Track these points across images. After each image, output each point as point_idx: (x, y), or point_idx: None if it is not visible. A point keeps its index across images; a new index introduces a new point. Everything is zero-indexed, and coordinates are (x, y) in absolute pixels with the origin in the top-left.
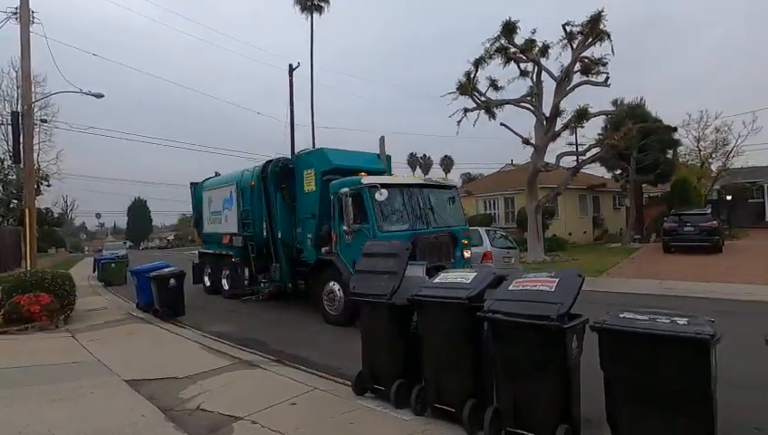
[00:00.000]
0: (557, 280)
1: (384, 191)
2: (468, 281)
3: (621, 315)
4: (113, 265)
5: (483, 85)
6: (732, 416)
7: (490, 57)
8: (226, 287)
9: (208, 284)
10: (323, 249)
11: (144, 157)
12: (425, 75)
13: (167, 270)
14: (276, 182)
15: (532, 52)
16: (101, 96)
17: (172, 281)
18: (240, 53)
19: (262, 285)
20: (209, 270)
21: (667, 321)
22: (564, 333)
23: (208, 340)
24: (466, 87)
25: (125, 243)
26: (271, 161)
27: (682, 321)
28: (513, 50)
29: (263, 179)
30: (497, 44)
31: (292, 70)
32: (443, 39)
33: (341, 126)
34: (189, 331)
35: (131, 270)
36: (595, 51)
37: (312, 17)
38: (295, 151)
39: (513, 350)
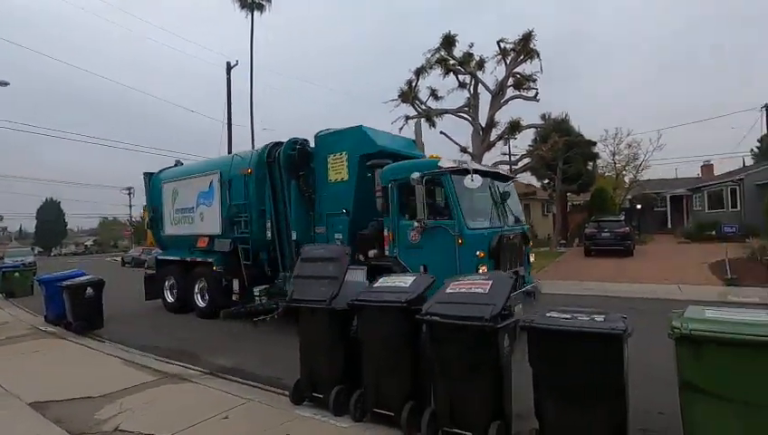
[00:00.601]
0: (491, 282)
1: (477, 177)
2: (407, 285)
3: (547, 314)
4: (17, 273)
5: (424, 94)
6: (638, 403)
7: (431, 67)
8: (202, 304)
9: (171, 299)
10: (370, 253)
11: (59, 154)
12: (371, 81)
13: (82, 278)
14: (290, 169)
15: (469, 65)
16: (6, 84)
17: (89, 290)
18: (178, 49)
19: (257, 299)
20: (173, 282)
21: (587, 318)
22: (497, 332)
23: (132, 354)
24: (408, 95)
25: (32, 249)
26: (278, 144)
27: (599, 318)
28: (452, 62)
29: (267, 166)
30: (437, 56)
31: (229, 68)
32: (393, 49)
33: (286, 130)
34: (110, 345)
35: (39, 279)
36: (526, 67)
37: (252, 15)
38: (232, 150)
39: (449, 351)
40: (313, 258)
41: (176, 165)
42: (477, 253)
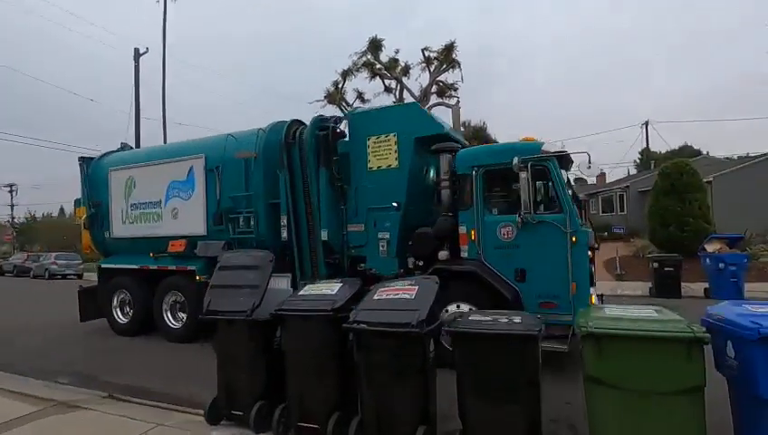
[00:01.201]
0: (417, 288)
1: (593, 165)
2: (334, 292)
3: (470, 318)
4: None
5: (350, 96)
6: (549, 396)
7: (357, 70)
8: (175, 325)
9: (122, 320)
10: (441, 254)
11: None
12: (293, 77)
13: None
14: (319, 153)
15: (395, 70)
16: None
17: None
18: (82, 34)
19: None
20: (125, 297)
21: (506, 320)
22: (423, 337)
23: (9, 381)
24: (335, 96)
25: None
26: (297, 122)
27: (517, 319)
28: (378, 66)
29: (285, 149)
30: (364, 59)
31: (138, 55)
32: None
33: (203, 123)
34: None
35: None
36: (449, 76)
37: (165, 2)
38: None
39: (377, 358)
40: (233, 266)
41: (121, 148)
42: (589, 254)
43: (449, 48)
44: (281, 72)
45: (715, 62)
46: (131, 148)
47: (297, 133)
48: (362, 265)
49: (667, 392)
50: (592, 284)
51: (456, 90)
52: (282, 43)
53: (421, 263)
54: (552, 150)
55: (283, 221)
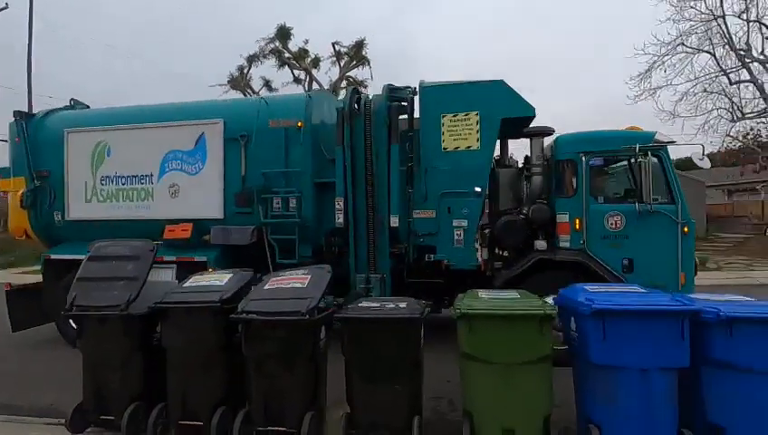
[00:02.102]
0: (309, 276)
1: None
2: (223, 283)
3: (361, 304)
4: None
5: (257, 83)
6: (432, 375)
7: (264, 56)
8: None
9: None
10: (538, 244)
11: None
12: (194, 58)
13: None
14: (391, 127)
15: (304, 61)
16: None
17: None
18: None
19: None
20: None
21: (393, 305)
22: (314, 325)
23: None
24: (239, 82)
25: None
26: (356, 92)
27: (403, 304)
28: (287, 55)
29: (347, 119)
30: (272, 46)
31: None
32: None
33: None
34: None
35: None
36: (359, 73)
37: None
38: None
39: (266, 348)
40: (106, 257)
41: (71, 107)
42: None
43: (359, 45)
44: (174, 49)
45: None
46: (86, 106)
47: (363, 103)
48: (431, 255)
49: (524, 362)
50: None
51: (365, 87)
52: (178, 18)
53: (505, 253)
54: (664, 140)
55: (339, 204)
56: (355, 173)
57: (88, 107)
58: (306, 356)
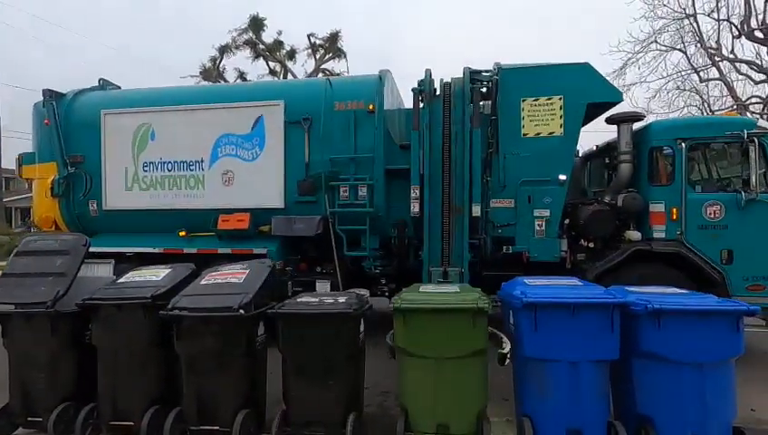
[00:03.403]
0: (248, 271)
1: None
2: (159, 278)
3: (299, 300)
4: None
5: (231, 75)
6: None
7: (237, 48)
8: None
9: None
10: (631, 235)
11: None
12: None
13: None
14: (474, 111)
15: (279, 53)
16: None
17: None
18: None
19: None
20: None
21: (332, 301)
22: (247, 321)
23: None
24: (211, 72)
25: None
26: (427, 75)
27: (342, 299)
28: (261, 46)
29: (426, 101)
30: (245, 37)
31: None
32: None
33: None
34: None
35: None
36: (336, 65)
37: None
38: None
39: (198, 345)
40: (35, 251)
41: (101, 87)
42: None
43: (334, 37)
44: (143, 35)
45: None
46: (117, 87)
47: (442, 86)
48: (510, 247)
49: (457, 357)
50: None
51: None
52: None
53: (592, 244)
54: (766, 127)
55: (415, 193)
56: (432, 159)
57: (119, 87)
58: (240, 353)
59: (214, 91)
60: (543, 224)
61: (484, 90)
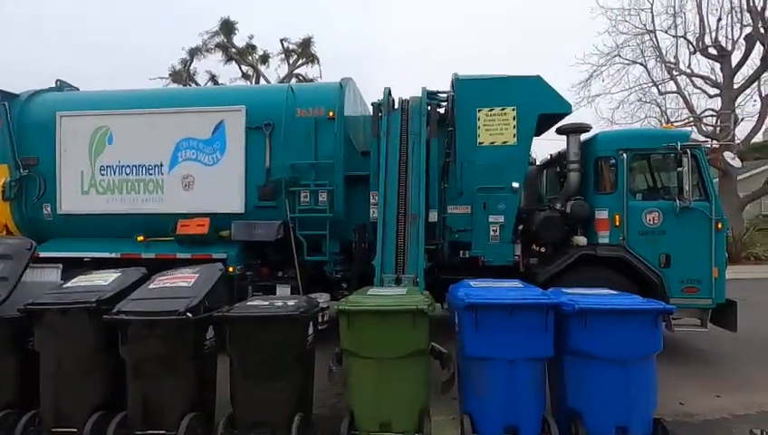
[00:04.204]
0: (197, 275)
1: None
2: (106, 283)
3: (249, 303)
4: None
5: (202, 78)
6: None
7: (208, 50)
8: None
9: None
10: (578, 240)
11: None
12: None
13: None
14: (430, 121)
15: (250, 57)
16: None
17: None
18: None
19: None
20: None
21: (281, 304)
22: (194, 324)
23: None
24: (181, 74)
25: None
26: (385, 93)
27: (291, 302)
28: (233, 50)
29: (387, 112)
30: (217, 40)
31: None
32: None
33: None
34: None
35: None
36: (309, 70)
37: None
38: None
39: (144, 349)
40: None
41: (58, 88)
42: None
43: (307, 42)
44: (110, 31)
45: None
46: (75, 88)
47: (400, 102)
48: (466, 251)
49: (399, 357)
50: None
51: None
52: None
53: (543, 249)
54: (701, 139)
55: (374, 198)
56: (388, 167)
57: (77, 89)
58: (186, 357)
59: (174, 94)
60: (498, 229)
61: (441, 110)
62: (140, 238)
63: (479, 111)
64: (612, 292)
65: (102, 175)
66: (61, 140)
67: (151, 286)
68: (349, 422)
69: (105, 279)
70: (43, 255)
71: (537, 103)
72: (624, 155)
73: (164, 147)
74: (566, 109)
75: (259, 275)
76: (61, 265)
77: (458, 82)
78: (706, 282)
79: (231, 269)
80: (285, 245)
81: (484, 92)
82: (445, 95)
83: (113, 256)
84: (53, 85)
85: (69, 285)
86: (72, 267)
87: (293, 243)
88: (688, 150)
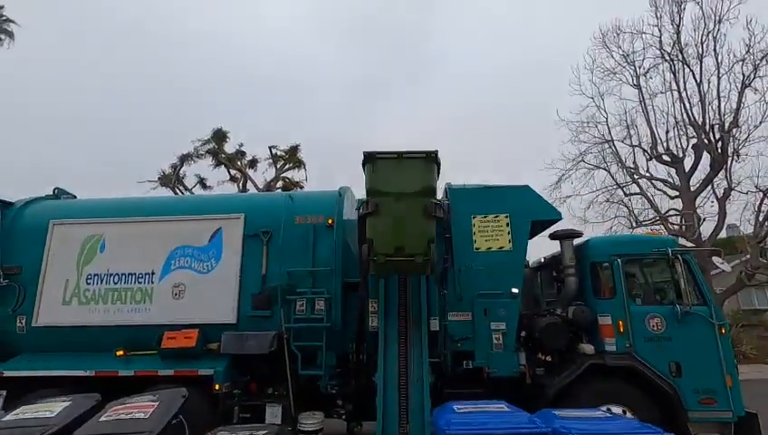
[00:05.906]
0: (156, 404)
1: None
2: (53, 414)
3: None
4: None
5: (191, 181)
6: None
7: (198, 156)
8: None
9: None
10: (584, 347)
11: None
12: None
13: None
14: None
15: (240, 162)
16: None
17: None
18: None
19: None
20: None
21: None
22: None
23: None
24: (170, 179)
25: None
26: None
27: (261, 433)
28: (223, 156)
29: None
30: (208, 147)
31: None
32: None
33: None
34: None
35: None
36: (295, 174)
37: None
38: None
39: None
40: None
41: (55, 196)
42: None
43: (294, 149)
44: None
45: None
46: (72, 196)
47: None
48: (470, 362)
49: None
50: None
51: (301, 187)
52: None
53: (548, 358)
54: (688, 245)
55: (373, 307)
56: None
57: (74, 197)
58: None
59: (173, 202)
60: (501, 337)
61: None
62: (120, 353)
63: (474, 217)
64: (605, 414)
65: (88, 284)
66: (50, 247)
67: (103, 418)
68: None
69: (52, 410)
70: (7, 374)
71: (528, 210)
72: (618, 260)
73: (158, 254)
74: (556, 216)
75: (247, 392)
76: (4, 392)
77: (452, 192)
78: (722, 392)
79: (217, 387)
80: (278, 358)
81: (478, 200)
82: (441, 203)
83: (86, 374)
84: (50, 193)
85: (8, 418)
86: (26, 390)
87: (288, 355)
88: (680, 256)
